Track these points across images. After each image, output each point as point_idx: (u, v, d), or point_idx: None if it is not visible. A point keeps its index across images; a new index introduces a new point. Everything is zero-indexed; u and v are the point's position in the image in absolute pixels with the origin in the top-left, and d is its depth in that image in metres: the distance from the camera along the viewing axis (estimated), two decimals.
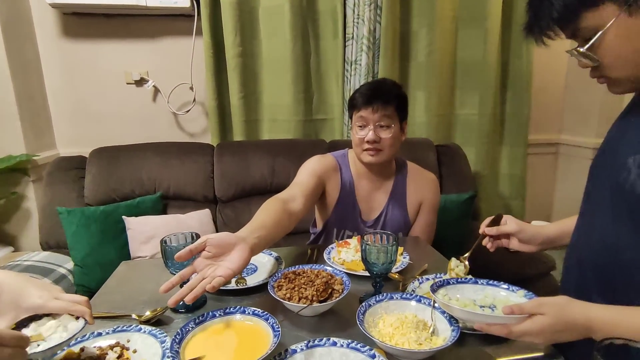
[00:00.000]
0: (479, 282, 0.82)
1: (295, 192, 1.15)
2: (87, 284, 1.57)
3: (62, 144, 2.12)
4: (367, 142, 1.20)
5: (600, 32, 0.62)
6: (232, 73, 2.03)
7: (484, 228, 0.95)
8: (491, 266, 1.08)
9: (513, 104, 2.33)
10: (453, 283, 0.82)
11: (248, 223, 0.93)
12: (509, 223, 0.94)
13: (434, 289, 0.78)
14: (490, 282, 0.82)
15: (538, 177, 2.55)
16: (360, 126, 1.22)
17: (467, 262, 0.94)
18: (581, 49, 0.65)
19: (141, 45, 2.08)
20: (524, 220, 0.96)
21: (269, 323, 0.75)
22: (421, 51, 2.15)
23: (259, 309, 0.79)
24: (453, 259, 0.95)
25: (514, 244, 0.94)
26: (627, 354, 0.48)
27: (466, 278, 0.84)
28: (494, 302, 0.79)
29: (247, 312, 0.80)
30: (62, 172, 1.83)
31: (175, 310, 0.89)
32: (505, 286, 0.80)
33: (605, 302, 0.63)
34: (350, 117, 1.28)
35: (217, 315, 0.79)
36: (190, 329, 0.75)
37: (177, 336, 0.71)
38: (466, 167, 2.14)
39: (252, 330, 0.76)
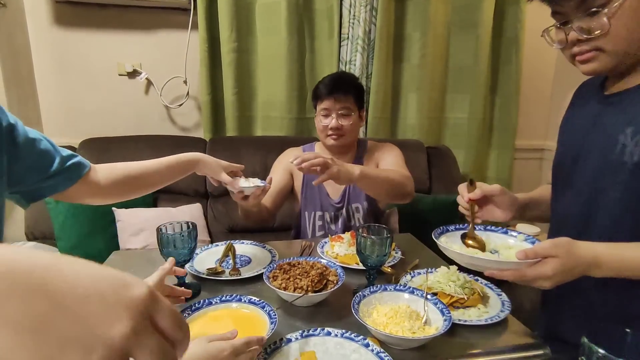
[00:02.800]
0: (477, 228, 0.83)
1: (271, 191, 1.29)
2: None
3: (50, 134, 2.03)
4: (330, 129, 1.32)
5: None
6: (226, 68, 2.02)
7: (467, 196, 0.84)
8: None
9: (502, 109, 2.39)
10: (452, 230, 0.84)
11: None
12: (490, 185, 0.86)
13: (437, 236, 0.80)
14: (488, 227, 0.83)
15: (523, 181, 2.61)
16: (324, 115, 1.34)
17: (475, 239, 0.84)
18: (595, 10, 0.66)
19: (135, 36, 2.06)
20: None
21: (266, 311, 0.76)
22: (414, 54, 2.19)
23: (256, 297, 0.80)
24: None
25: (497, 215, 0.88)
26: (611, 337, 0.51)
27: (465, 225, 0.85)
28: (495, 247, 0.80)
29: (243, 300, 0.81)
30: None
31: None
32: (503, 230, 0.82)
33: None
34: (315, 106, 1.40)
35: (214, 302, 0.80)
36: (187, 315, 0.75)
37: None
38: (455, 169, 2.18)
39: (249, 318, 0.77)
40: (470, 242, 0.80)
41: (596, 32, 0.67)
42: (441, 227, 0.84)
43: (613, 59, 0.70)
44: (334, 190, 1.40)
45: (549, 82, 2.55)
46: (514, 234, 0.80)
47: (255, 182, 1.05)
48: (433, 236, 0.80)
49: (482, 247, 0.79)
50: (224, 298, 0.81)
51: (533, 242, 0.76)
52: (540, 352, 0.73)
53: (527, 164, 2.62)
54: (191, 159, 1.00)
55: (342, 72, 1.44)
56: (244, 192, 1.03)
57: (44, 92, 2.05)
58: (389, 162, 1.38)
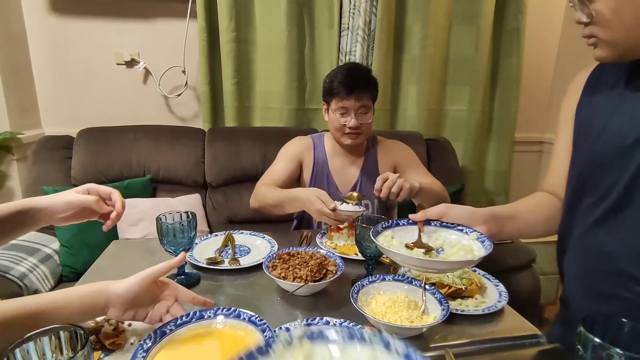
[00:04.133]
0: (432, 224, 0.78)
1: (275, 179, 1.32)
2: (73, 264, 1.55)
3: (48, 123, 2.06)
4: (350, 128, 1.28)
5: None
6: (225, 58, 2.01)
7: (411, 217, 0.80)
8: None
9: (501, 102, 2.38)
10: (403, 224, 0.78)
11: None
12: (438, 208, 0.80)
13: (378, 231, 0.74)
14: (444, 223, 0.78)
15: (522, 174, 2.62)
16: (342, 113, 1.28)
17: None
18: None
19: (133, 25, 2.04)
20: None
21: (265, 335, 0.61)
22: (415, 45, 2.17)
23: (248, 312, 0.67)
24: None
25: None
26: (608, 327, 0.51)
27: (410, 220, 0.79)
28: (443, 244, 0.75)
29: (242, 317, 0.66)
30: (49, 152, 1.79)
31: None
32: (460, 228, 0.76)
33: None
34: (327, 102, 1.33)
35: (205, 316, 0.67)
36: (156, 341, 0.61)
37: (140, 349, 0.59)
38: (454, 161, 2.18)
39: (243, 342, 0.62)
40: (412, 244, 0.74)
41: (584, 19, 0.64)
42: (390, 221, 0.78)
43: (614, 49, 0.64)
44: (343, 184, 1.39)
45: (550, 75, 2.54)
46: (469, 231, 0.74)
47: (354, 207, 1.07)
48: (373, 231, 0.73)
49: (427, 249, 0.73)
50: (218, 312, 0.68)
51: (483, 241, 0.71)
52: (536, 341, 0.74)
53: (526, 157, 2.62)
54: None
55: (356, 65, 1.36)
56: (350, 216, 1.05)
57: (41, 81, 2.03)
58: (408, 162, 1.38)
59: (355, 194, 1.14)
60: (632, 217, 0.65)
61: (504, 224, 0.79)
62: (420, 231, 0.76)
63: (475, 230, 0.74)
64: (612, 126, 0.68)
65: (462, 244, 0.74)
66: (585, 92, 0.76)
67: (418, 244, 0.74)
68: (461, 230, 0.74)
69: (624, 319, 0.51)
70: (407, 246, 0.73)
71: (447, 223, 0.77)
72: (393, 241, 0.74)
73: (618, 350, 0.46)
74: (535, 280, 1.72)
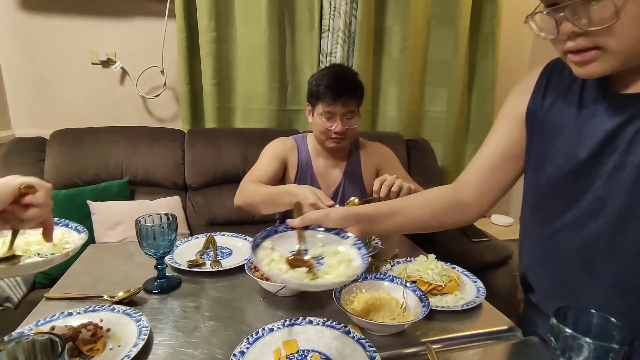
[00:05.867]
0: (310, 228, 0.71)
1: (261, 176, 1.29)
2: (46, 270, 1.49)
3: (18, 125, 1.98)
4: (335, 132, 1.26)
5: None
6: (205, 58, 1.99)
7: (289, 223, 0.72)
8: (454, 255, 1.15)
9: (478, 104, 2.44)
10: (282, 230, 0.71)
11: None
12: (317, 213, 0.72)
13: (257, 244, 0.66)
14: (320, 228, 0.71)
15: None
16: (328, 118, 1.27)
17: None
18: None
19: (109, 24, 1.99)
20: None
21: None
22: (394, 47, 2.21)
23: None
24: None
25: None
26: (578, 318, 0.54)
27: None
28: (323, 252, 0.68)
29: None
30: (20, 154, 1.73)
31: (149, 291, 0.88)
32: (336, 232, 0.70)
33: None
34: (313, 104, 1.31)
35: None
36: None
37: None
38: (433, 161, 2.23)
39: None
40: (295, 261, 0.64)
41: (597, 25, 0.51)
42: (268, 228, 0.70)
43: (618, 60, 0.54)
44: (327, 186, 1.38)
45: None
46: (347, 235, 0.69)
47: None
48: (253, 244, 0.65)
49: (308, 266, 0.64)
50: None
51: (360, 248, 0.67)
52: (512, 334, 0.77)
53: None
54: None
55: (344, 69, 1.33)
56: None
57: (10, 80, 1.95)
58: (390, 165, 1.39)
59: (357, 200, 1.13)
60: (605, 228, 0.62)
61: (379, 222, 0.76)
62: (300, 240, 0.68)
63: (351, 235, 0.69)
64: (576, 135, 0.65)
65: (340, 252, 0.67)
66: (536, 94, 0.73)
67: (299, 259, 0.65)
68: (338, 234, 0.70)
69: (593, 310, 0.54)
70: (288, 262, 0.63)
71: (321, 228, 0.70)
72: (274, 254, 0.65)
73: (587, 339, 0.48)
74: (511, 276, 1.78)
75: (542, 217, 0.73)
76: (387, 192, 1.03)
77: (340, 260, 0.64)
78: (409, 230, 0.90)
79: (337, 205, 1.04)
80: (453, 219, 0.83)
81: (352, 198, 1.17)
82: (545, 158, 0.70)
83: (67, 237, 0.72)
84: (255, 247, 0.65)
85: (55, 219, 0.69)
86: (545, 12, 0.55)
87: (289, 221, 0.71)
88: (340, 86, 1.24)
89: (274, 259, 0.64)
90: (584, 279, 0.67)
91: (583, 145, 0.64)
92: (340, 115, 1.25)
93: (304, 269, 0.63)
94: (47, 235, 0.61)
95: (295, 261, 0.64)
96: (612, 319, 0.52)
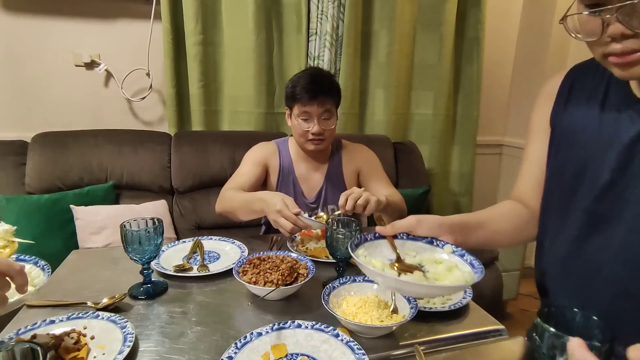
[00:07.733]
0: (399, 236, 0.71)
1: (242, 182, 1.29)
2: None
3: None
4: (313, 134, 1.27)
5: None
6: (191, 61, 1.97)
7: (385, 234, 0.73)
8: None
9: (464, 107, 2.48)
10: (371, 239, 0.71)
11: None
12: (407, 221, 0.73)
13: (352, 248, 0.66)
14: (411, 236, 0.71)
15: (484, 176, 2.74)
16: (305, 119, 1.27)
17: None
18: None
19: (93, 26, 1.96)
20: None
21: None
22: (381, 51, 2.23)
23: None
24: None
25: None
26: (562, 317, 0.55)
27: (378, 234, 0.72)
28: (421, 261, 0.68)
29: None
30: (0, 158, 1.68)
31: (134, 297, 0.86)
32: (428, 240, 0.70)
33: None
34: (290, 107, 1.32)
35: None
36: None
37: None
38: (421, 164, 2.25)
39: None
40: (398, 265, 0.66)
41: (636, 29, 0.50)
42: (359, 237, 0.70)
43: None
44: (309, 190, 1.39)
45: (507, 81, 2.68)
46: (441, 244, 0.68)
47: (318, 224, 1.07)
48: (349, 248, 0.66)
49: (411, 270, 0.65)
50: None
51: (462, 255, 0.66)
52: (499, 334, 0.78)
53: (487, 159, 2.75)
54: None
55: (319, 71, 1.36)
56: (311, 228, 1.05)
57: None
58: (371, 169, 1.40)
59: (324, 215, 1.14)
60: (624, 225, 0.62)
61: (470, 233, 0.75)
62: (395, 248, 0.69)
63: (448, 243, 0.68)
64: (599, 132, 0.65)
65: (443, 260, 0.67)
66: (559, 101, 0.73)
67: (404, 265, 0.66)
68: (431, 242, 0.69)
69: (575, 309, 0.55)
70: (397, 269, 0.64)
71: (411, 236, 0.71)
72: (373, 261, 0.65)
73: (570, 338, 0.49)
74: (497, 277, 1.81)
75: (563, 219, 0.72)
76: (352, 206, 1.03)
77: (447, 267, 0.65)
78: (490, 246, 0.84)
79: (319, 212, 1.05)
80: (529, 233, 0.81)
81: (320, 214, 1.17)
82: (567, 162, 0.70)
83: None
84: (355, 252, 0.66)
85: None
86: (588, 13, 0.53)
87: (379, 229, 0.71)
88: (315, 86, 1.25)
89: (375, 264, 0.63)
90: (611, 290, 0.64)
91: (604, 151, 0.63)
92: (317, 115, 1.26)
93: (420, 273, 0.65)
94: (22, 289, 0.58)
95: (402, 267, 0.65)
96: (594, 317, 0.53)
